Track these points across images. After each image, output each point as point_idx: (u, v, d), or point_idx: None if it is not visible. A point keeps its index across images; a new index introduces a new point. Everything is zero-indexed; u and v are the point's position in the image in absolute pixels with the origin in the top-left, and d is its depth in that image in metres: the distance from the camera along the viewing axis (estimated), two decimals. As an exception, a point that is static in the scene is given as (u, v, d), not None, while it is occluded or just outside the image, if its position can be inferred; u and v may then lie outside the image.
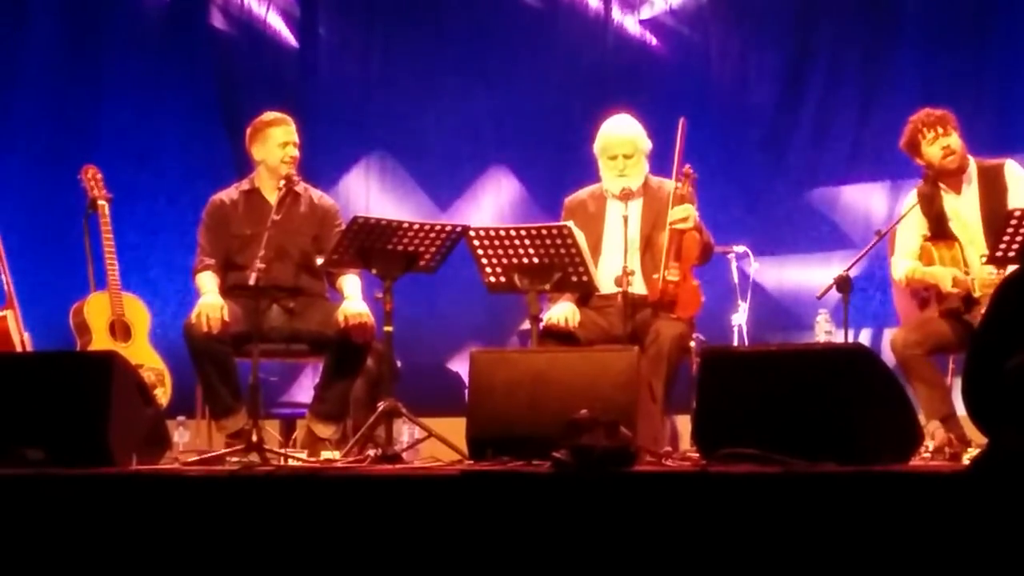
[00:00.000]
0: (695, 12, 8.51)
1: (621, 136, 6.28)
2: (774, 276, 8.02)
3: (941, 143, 6.03)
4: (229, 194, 6.52)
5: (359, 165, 8.81)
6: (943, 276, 5.95)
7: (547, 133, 8.45)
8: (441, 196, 8.69)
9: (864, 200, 8.07)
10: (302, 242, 6.38)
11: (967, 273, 5.92)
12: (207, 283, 6.32)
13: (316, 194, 6.58)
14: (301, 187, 6.42)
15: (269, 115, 6.48)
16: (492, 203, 8.67)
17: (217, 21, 9.06)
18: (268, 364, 6.75)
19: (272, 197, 6.28)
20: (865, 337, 7.70)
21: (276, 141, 6.39)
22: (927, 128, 6.05)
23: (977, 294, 5.83)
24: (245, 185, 6.53)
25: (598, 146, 6.32)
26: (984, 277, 5.82)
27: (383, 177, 8.79)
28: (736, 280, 7.04)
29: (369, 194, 8.78)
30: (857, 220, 7.99)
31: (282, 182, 6.14)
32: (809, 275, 7.73)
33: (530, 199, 8.48)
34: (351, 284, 6.34)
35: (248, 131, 6.48)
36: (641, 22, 8.57)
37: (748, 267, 7.14)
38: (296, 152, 6.40)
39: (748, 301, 6.97)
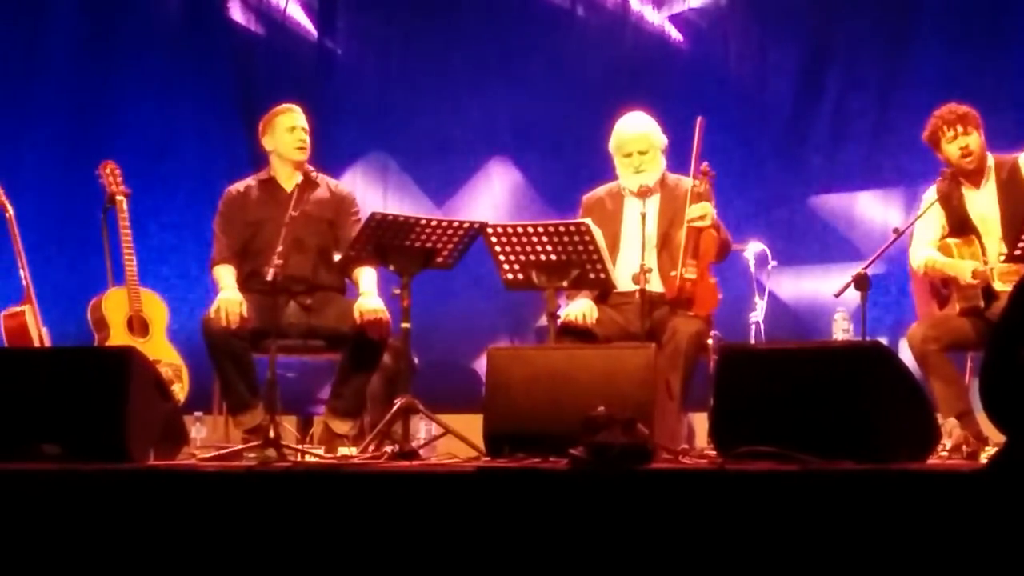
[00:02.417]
0: (714, 10, 8.48)
1: (635, 133, 6.28)
2: (790, 279, 7.96)
3: (959, 143, 6.06)
4: (245, 183, 6.56)
5: (376, 158, 8.80)
6: (962, 268, 5.96)
7: (565, 129, 8.42)
8: (456, 191, 8.67)
9: (882, 205, 8.03)
10: (319, 231, 6.39)
11: (986, 263, 5.92)
12: (225, 277, 6.34)
13: (332, 183, 6.61)
14: (319, 179, 6.42)
15: (277, 107, 6.52)
16: (509, 199, 8.66)
17: (236, 14, 9.07)
18: (285, 360, 6.76)
19: (288, 184, 6.30)
20: (883, 336, 7.66)
21: (284, 127, 6.44)
22: (947, 126, 6.07)
23: (996, 285, 5.84)
24: (261, 175, 6.56)
25: (613, 144, 6.32)
26: (1003, 268, 5.84)
27: (401, 170, 8.78)
28: (754, 277, 7.01)
29: (387, 187, 8.77)
30: (875, 224, 7.95)
31: (299, 175, 6.15)
32: (825, 281, 7.65)
33: (547, 196, 8.45)
34: (367, 277, 6.34)
35: (260, 126, 6.52)
36: (660, 20, 8.55)
37: (766, 266, 7.10)
38: (305, 136, 6.43)
39: (765, 299, 6.95)
